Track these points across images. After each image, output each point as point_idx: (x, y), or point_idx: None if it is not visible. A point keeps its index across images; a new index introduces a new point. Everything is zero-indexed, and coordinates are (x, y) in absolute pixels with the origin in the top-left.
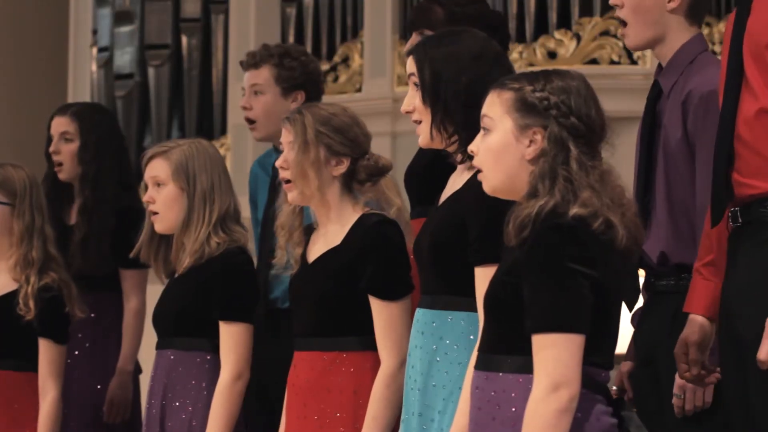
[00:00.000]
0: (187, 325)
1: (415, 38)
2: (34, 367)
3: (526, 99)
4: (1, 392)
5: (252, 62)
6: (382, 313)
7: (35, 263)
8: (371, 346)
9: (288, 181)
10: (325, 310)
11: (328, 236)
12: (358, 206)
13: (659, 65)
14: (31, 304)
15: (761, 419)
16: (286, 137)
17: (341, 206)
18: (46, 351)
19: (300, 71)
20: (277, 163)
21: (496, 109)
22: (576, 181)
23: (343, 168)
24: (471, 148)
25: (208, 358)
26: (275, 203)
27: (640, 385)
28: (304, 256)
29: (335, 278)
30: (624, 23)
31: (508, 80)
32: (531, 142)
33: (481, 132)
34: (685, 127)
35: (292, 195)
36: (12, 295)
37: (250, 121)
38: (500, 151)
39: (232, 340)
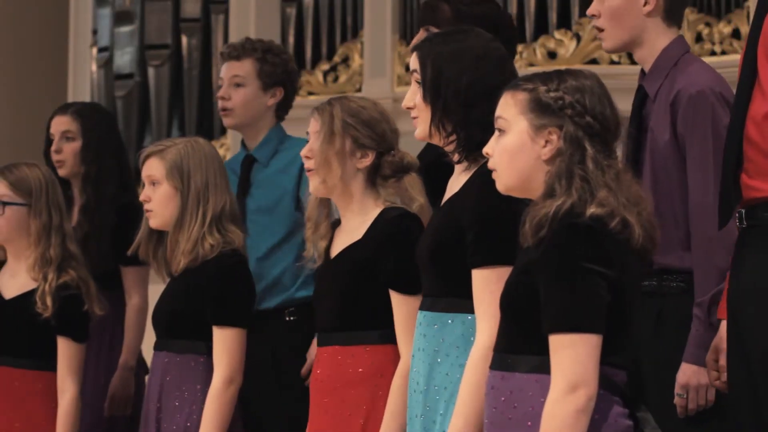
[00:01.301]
0: (181, 327)
1: (421, 35)
2: (51, 367)
3: (541, 99)
4: (17, 391)
5: (234, 54)
6: (401, 306)
7: (53, 261)
8: (392, 339)
9: (310, 171)
10: (347, 304)
11: (350, 231)
12: (380, 201)
13: (642, 70)
14: (48, 301)
15: None
16: (313, 127)
17: (363, 200)
18: (65, 349)
19: (281, 69)
20: (302, 152)
21: (511, 110)
22: (592, 180)
23: (367, 161)
24: (486, 150)
25: (202, 360)
26: (246, 198)
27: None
28: (327, 250)
29: (356, 272)
30: (601, 30)
31: (522, 81)
32: (547, 142)
33: (496, 133)
34: (674, 129)
35: (314, 184)
36: (30, 294)
37: (224, 109)
38: (515, 152)
39: (225, 344)
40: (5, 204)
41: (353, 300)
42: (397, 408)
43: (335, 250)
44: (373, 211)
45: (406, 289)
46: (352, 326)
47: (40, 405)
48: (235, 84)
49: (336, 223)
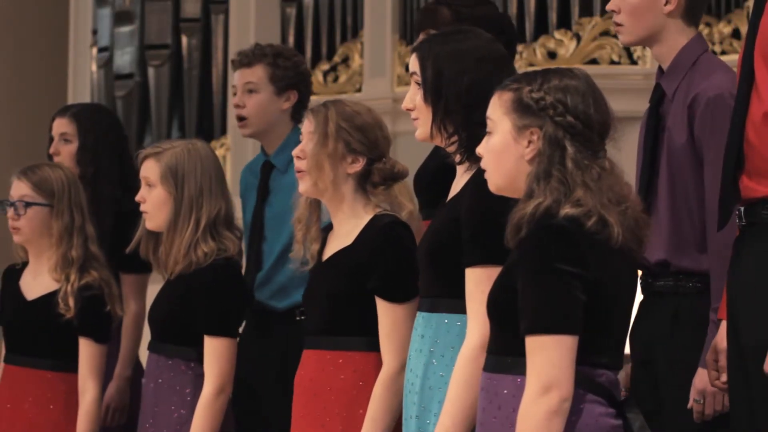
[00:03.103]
0: (173, 333)
1: (421, 39)
2: (74, 368)
3: (522, 99)
4: (40, 393)
5: (246, 61)
6: (387, 314)
7: (75, 262)
8: (376, 347)
9: (301, 171)
10: (334, 309)
11: (343, 236)
12: (370, 207)
13: (660, 68)
14: (71, 302)
15: (763, 423)
16: (307, 128)
17: (354, 204)
18: (86, 350)
19: (293, 71)
20: (294, 153)
21: (497, 111)
22: (570, 180)
23: (358, 166)
24: (478, 150)
25: (193, 366)
26: (264, 205)
27: (638, 386)
28: (320, 253)
29: (345, 277)
30: (619, 25)
31: (510, 81)
32: (529, 142)
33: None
34: (691, 131)
35: (304, 185)
36: (52, 295)
37: (241, 118)
38: (501, 153)
39: (216, 354)
40: (27, 204)
41: (341, 304)
42: (378, 415)
43: (327, 254)
44: (364, 217)
45: (392, 297)
46: (339, 331)
47: (63, 406)
48: (249, 90)
49: (328, 228)
